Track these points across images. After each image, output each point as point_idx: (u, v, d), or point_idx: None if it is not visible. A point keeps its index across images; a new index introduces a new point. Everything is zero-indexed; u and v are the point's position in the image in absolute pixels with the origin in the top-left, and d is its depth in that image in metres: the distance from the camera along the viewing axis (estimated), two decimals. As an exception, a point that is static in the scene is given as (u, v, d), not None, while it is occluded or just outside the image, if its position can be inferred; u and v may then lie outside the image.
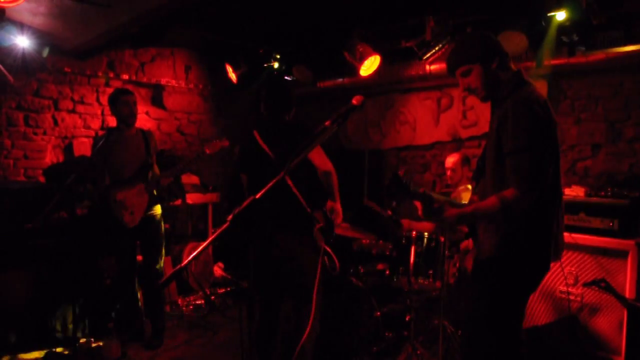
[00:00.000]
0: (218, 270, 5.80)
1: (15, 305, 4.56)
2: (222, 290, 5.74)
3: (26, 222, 4.57)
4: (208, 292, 5.51)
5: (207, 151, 4.27)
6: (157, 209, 4.44)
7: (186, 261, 1.91)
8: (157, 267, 4.41)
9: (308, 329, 3.17)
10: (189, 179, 5.85)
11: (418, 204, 2.63)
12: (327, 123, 2.36)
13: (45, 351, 4.16)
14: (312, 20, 5.32)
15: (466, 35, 2.59)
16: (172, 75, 6.46)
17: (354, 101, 2.46)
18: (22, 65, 5.17)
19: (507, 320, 2.49)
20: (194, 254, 1.92)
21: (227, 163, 6.53)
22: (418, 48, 4.95)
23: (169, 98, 6.44)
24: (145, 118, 6.24)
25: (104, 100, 5.82)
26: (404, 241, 3.93)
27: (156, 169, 4.42)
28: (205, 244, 1.92)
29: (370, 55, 5.08)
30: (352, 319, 3.91)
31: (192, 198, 5.75)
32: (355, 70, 5.25)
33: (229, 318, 5.11)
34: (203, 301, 5.45)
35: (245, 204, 2.02)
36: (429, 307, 4.06)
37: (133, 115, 4.29)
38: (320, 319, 4.01)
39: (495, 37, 2.53)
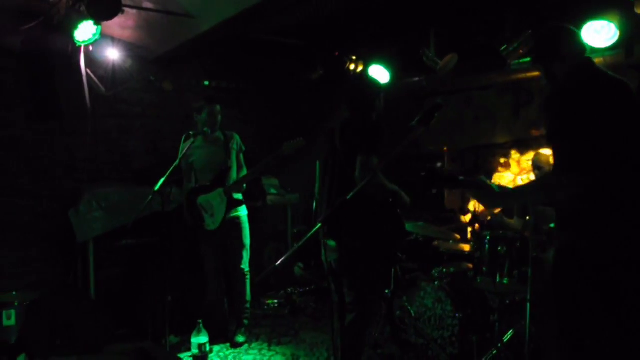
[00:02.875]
0: (299, 270, 5.91)
1: (111, 301, 4.85)
2: (303, 290, 5.83)
3: (119, 222, 4.85)
4: (289, 292, 5.61)
5: (284, 151, 4.32)
6: (242, 211, 4.57)
7: (279, 262, 1.98)
8: (242, 267, 4.55)
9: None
10: (269, 180, 5.98)
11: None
12: (413, 123, 2.37)
13: (137, 345, 4.40)
14: (388, 20, 5.30)
15: (536, 33, 2.62)
16: (252, 79, 6.60)
17: (440, 100, 2.46)
18: (113, 76, 5.49)
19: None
20: (288, 254, 1.98)
21: (306, 164, 6.60)
22: (497, 44, 4.83)
23: (249, 101, 6.63)
24: (227, 121, 6.41)
25: (188, 106, 6.04)
26: (487, 240, 3.83)
27: (243, 170, 4.57)
28: (299, 243, 1.97)
29: (448, 53, 5.00)
30: (433, 320, 3.87)
31: (272, 199, 5.88)
32: (433, 69, 5.18)
33: (310, 317, 5.19)
34: (284, 300, 5.56)
35: (336, 205, 2.06)
36: (514, 309, 3.94)
37: (217, 124, 4.46)
38: (398, 318, 4.02)
39: (558, 32, 2.49)
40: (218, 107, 4.48)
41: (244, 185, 4.47)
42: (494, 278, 3.76)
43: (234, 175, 4.51)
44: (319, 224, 2.01)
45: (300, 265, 6.03)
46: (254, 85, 6.66)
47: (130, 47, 5.44)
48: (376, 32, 5.57)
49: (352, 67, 5.85)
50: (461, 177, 2.48)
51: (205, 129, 4.44)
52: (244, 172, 4.56)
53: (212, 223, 4.40)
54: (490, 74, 5.33)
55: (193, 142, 4.32)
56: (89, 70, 5.07)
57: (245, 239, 4.58)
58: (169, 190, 4.87)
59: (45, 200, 5.13)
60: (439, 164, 2.41)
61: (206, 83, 6.21)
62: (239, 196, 4.51)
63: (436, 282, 3.93)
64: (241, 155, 4.65)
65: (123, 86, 5.65)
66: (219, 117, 4.48)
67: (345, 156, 3.15)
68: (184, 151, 4.32)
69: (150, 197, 3.95)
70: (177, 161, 4.23)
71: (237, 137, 4.66)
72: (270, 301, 5.58)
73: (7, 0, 4.64)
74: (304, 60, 5.97)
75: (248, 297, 4.61)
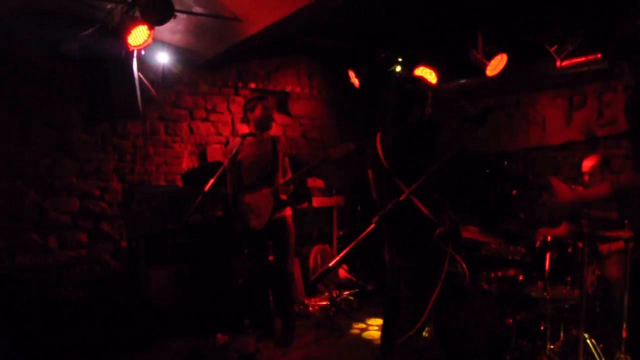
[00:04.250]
0: (343, 272, 5.96)
1: (160, 299, 5.00)
2: (347, 292, 5.90)
3: (168, 222, 5.02)
4: (334, 294, 5.67)
5: (332, 155, 4.32)
6: (287, 212, 4.63)
7: (333, 262, 2.03)
8: (287, 267, 4.61)
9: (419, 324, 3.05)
10: (314, 182, 6.07)
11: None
12: (466, 125, 2.38)
13: (187, 342, 4.54)
14: (435, 21, 5.30)
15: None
16: (297, 83, 6.75)
17: (493, 101, 2.47)
18: (162, 79, 5.69)
19: None
20: (341, 254, 2.04)
21: (351, 166, 6.69)
22: (549, 44, 4.78)
23: (293, 105, 6.74)
24: (273, 123, 6.56)
25: (234, 108, 6.24)
26: (538, 246, 3.80)
27: (288, 173, 4.64)
28: (352, 244, 2.01)
29: (497, 54, 4.97)
30: (483, 326, 3.86)
31: (317, 201, 5.96)
32: (480, 70, 5.16)
33: (354, 319, 5.23)
34: (328, 302, 5.63)
35: (389, 206, 2.10)
36: (566, 316, 3.89)
37: (270, 119, 4.58)
38: (448, 324, 4.01)
39: None
40: (269, 102, 4.60)
41: (290, 188, 4.55)
42: (545, 284, 3.72)
43: (280, 177, 4.57)
44: (373, 225, 2.05)
45: (345, 267, 6.08)
46: (300, 87, 6.77)
47: (179, 51, 5.61)
48: (423, 33, 5.58)
49: (398, 68, 5.87)
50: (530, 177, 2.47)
51: (255, 130, 4.54)
52: (289, 175, 4.62)
53: (258, 223, 4.50)
54: (540, 74, 5.25)
55: (241, 143, 4.43)
56: (140, 74, 5.26)
57: (290, 240, 4.64)
58: (218, 191, 5.01)
59: (97, 200, 5.36)
60: (505, 162, 2.32)
61: (253, 85, 6.33)
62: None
63: (485, 287, 3.92)
64: (287, 159, 4.72)
65: (172, 89, 5.85)
66: (271, 112, 4.56)
67: (396, 164, 3.12)
68: (233, 152, 4.44)
69: (202, 198, 4.05)
70: (227, 162, 4.37)
71: (281, 141, 4.75)
72: (314, 302, 5.65)
73: (65, 8, 4.89)
74: (350, 62, 6.01)
75: (293, 298, 4.68)
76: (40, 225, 5.03)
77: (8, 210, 4.89)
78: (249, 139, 4.54)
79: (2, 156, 4.88)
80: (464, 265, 3.44)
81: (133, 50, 4.63)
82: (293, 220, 4.70)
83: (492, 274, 4.06)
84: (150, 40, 4.40)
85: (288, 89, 6.65)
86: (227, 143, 6.17)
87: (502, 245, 4.32)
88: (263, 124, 4.55)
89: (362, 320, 5.22)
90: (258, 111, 4.54)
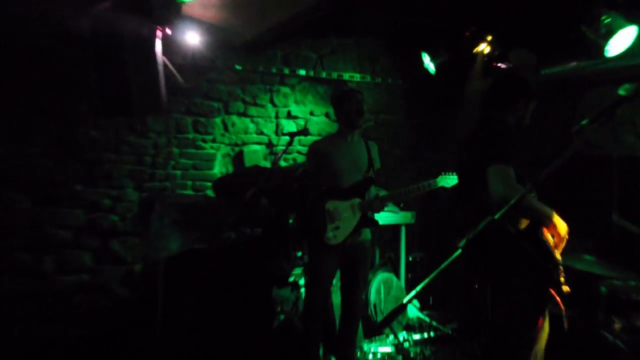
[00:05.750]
0: (414, 310, 5.67)
1: (182, 338, 4.86)
2: (418, 337, 5.57)
3: (195, 241, 4.88)
4: (401, 338, 5.37)
5: (438, 184, 4.46)
6: (368, 234, 4.51)
7: (409, 298, 1.95)
8: (360, 302, 4.50)
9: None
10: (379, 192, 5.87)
11: None
12: (584, 123, 2.25)
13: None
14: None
15: None
16: (356, 68, 6.61)
17: (623, 91, 2.30)
18: (192, 65, 5.59)
19: None
20: (418, 287, 1.94)
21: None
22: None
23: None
24: (324, 120, 6.42)
25: (279, 100, 6.11)
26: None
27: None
28: (432, 275, 1.92)
29: (621, 27, 4.57)
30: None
31: (381, 218, 5.70)
32: (597, 50, 4.77)
33: (427, 373, 4.92)
34: (395, 349, 5.29)
35: (481, 227, 1.88)
36: None
37: (362, 113, 4.44)
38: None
39: None
40: (361, 95, 4.51)
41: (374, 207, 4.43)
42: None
43: (373, 190, 4.48)
44: (459, 250, 1.92)
45: (416, 304, 5.79)
46: (360, 74, 6.62)
47: (213, 30, 5.48)
48: (518, 4, 5.26)
49: (486, 49, 5.57)
50: None
51: (351, 127, 4.48)
52: (373, 190, 4.53)
53: (333, 237, 4.32)
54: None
55: (326, 142, 4.49)
56: (165, 58, 5.15)
57: (368, 269, 4.61)
58: (259, 202, 4.88)
59: (106, 212, 5.30)
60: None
61: (303, 72, 6.19)
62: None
63: (611, 338, 3.54)
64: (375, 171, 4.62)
65: (203, 77, 5.75)
66: (362, 105, 4.47)
67: (472, 169, 3.11)
68: (316, 152, 4.45)
69: (239, 211, 3.95)
70: (271, 166, 4.28)
71: (377, 149, 4.66)
72: (373, 347, 5.34)
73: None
74: (425, 42, 5.77)
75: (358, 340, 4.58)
76: (34, 243, 4.98)
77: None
78: (337, 138, 4.51)
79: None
80: (559, 302, 3.28)
81: (156, 30, 4.53)
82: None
83: (617, 321, 3.69)
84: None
85: (346, 76, 6.50)
86: (269, 143, 6.05)
87: (629, 281, 3.93)
88: (354, 117, 4.42)
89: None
90: (347, 101, 4.43)
